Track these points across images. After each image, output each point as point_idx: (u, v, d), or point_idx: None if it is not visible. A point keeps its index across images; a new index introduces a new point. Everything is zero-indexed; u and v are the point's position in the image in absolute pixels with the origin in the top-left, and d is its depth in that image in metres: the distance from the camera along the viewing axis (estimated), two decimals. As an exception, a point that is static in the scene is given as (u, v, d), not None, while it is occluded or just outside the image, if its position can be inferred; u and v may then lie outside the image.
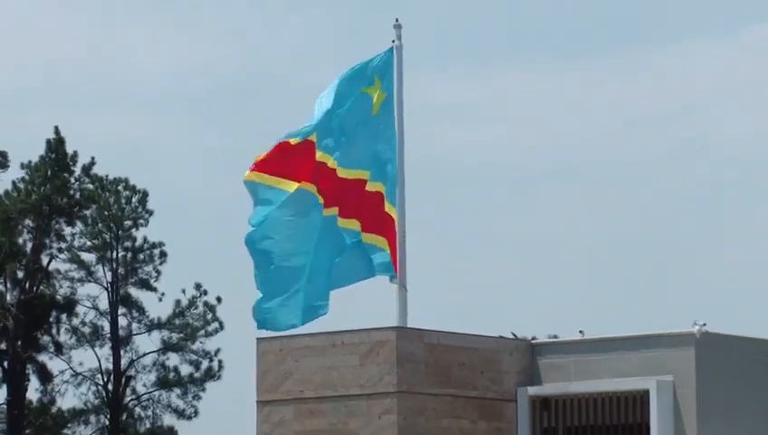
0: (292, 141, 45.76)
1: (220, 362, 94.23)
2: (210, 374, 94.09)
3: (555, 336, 54.94)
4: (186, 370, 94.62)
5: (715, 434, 48.72)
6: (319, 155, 46.11)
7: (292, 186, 46.09)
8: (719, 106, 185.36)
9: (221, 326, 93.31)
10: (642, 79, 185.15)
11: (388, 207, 47.49)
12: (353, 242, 46.59)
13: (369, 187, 46.85)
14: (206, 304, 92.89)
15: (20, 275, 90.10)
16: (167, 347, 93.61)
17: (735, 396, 48.93)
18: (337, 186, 46.74)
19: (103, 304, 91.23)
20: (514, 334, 53.39)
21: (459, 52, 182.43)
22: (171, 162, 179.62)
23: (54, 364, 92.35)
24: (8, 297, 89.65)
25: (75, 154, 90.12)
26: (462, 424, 49.97)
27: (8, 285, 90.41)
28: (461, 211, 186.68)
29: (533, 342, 52.95)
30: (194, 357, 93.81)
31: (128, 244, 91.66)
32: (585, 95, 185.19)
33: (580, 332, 53.58)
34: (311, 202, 46.28)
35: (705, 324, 50.36)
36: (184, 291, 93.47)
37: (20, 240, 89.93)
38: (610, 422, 50.26)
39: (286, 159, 45.87)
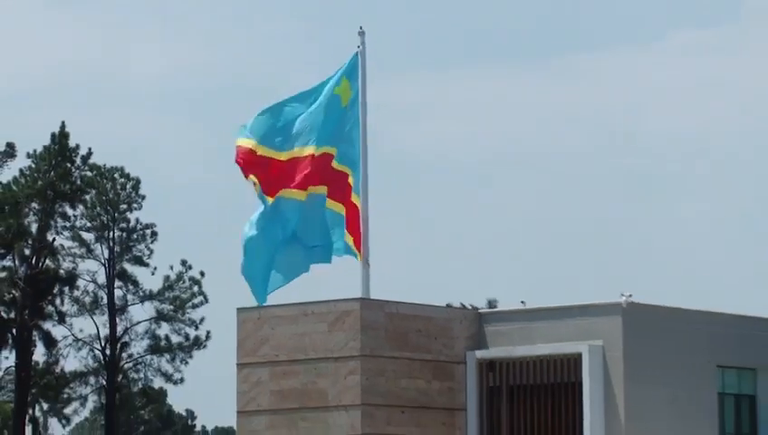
0: (277, 156, 46.96)
1: (208, 332, 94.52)
2: (197, 343, 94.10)
3: (495, 303, 54.98)
4: (175, 338, 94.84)
5: (639, 392, 49.34)
6: (298, 151, 46.99)
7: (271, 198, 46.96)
8: (649, 104, 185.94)
9: (206, 299, 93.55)
10: (580, 80, 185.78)
11: (354, 198, 48.01)
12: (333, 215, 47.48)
13: (335, 165, 47.37)
14: (191, 278, 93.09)
15: (27, 252, 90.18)
16: (158, 317, 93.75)
17: (658, 358, 49.45)
18: (313, 166, 47.32)
19: (101, 277, 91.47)
20: (466, 305, 53.90)
21: (419, 56, 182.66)
22: (161, 154, 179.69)
23: (58, 331, 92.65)
24: (16, 272, 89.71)
25: (77, 146, 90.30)
26: (418, 384, 50.48)
27: (16, 261, 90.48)
28: (419, 197, 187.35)
29: (481, 311, 53.38)
30: (182, 326, 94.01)
31: (123, 225, 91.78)
32: (530, 95, 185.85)
33: (522, 302, 54.10)
34: (289, 206, 47.06)
35: (630, 295, 50.96)
36: (172, 267, 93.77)
37: (27, 221, 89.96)
38: (548, 382, 50.77)
39: (272, 175, 46.95)
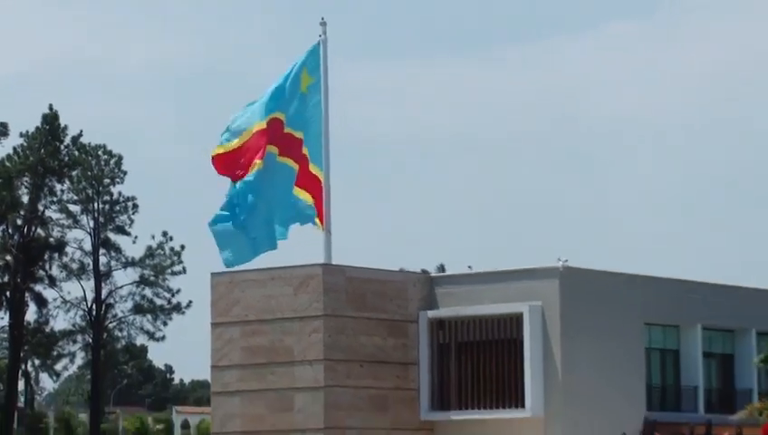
0: (236, 142, 46.69)
1: (190, 301, 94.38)
2: (177, 308, 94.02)
3: (445, 268, 55.09)
4: (156, 301, 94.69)
5: (574, 348, 49.75)
6: (276, 116, 47.10)
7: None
8: (589, 90, 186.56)
9: (184, 270, 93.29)
10: (522, 68, 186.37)
11: (313, 169, 48.14)
12: (287, 191, 47.48)
13: (286, 130, 47.45)
14: (171, 248, 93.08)
15: (19, 222, 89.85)
16: (141, 281, 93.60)
17: (592, 317, 49.78)
18: (266, 135, 47.32)
19: (87, 245, 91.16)
20: (423, 270, 54.15)
21: (377, 44, 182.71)
22: (142, 133, 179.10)
23: (48, 294, 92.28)
24: (10, 240, 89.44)
25: (66, 127, 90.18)
26: (375, 341, 50.83)
27: (10, 231, 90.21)
28: (378, 172, 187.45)
29: (432, 275, 53.70)
30: (161, 290, 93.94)
31: (106, 197, 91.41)
32: (481, 81, 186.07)
33: (469, 267, 54.48)
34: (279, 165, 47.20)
35: (567, 260, 51.39)
36: (153, 236, 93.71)
37: (19, 194, 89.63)
38: (492, 338, 51.12)
39: (241, 157, 46.96)
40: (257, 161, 45.96)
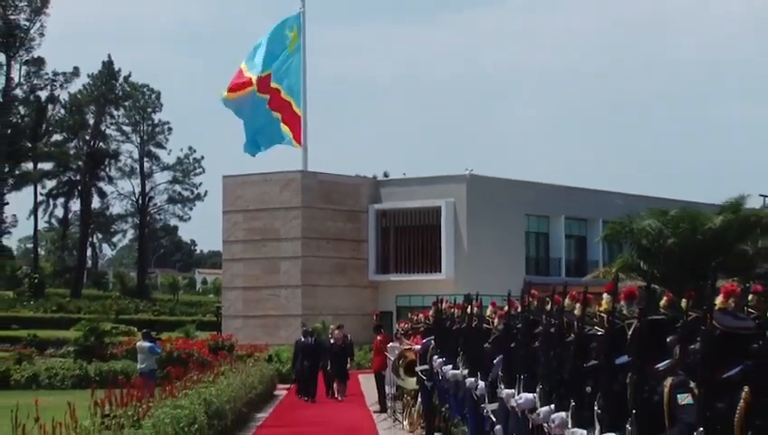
0: (246, 73, 47.12)
1: (206, 192, 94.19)
2: (198, 198, 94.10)
3: (388, 174, 54.82)
4: (184, 194, 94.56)
5: (476, 231, 49.84)
6: (264, 74, 47.10)
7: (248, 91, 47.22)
8: (492, 46, 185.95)
9: (203, 171, 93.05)
10: (450, 31, 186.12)
11: (295, 108, 48.00)
12: (275, 121, 47.61)
13: (284, 96, 47.56)
14: (194, 158, 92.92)
15: (87, 137, 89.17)
16: (173, 180, 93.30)
17: (488, 210, 49.87)
18: (272, 90, 47.51)
19: (135, 155, 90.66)
20: (368, 175, 54.22)
21: (349, 10, 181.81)
22: (174, 74, 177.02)
23: (107, 188, 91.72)
24: (80, 150, 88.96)
25: (119, 70, 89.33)
26: (337, 225, 50.82)
27: (80, 143, 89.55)
28: (344, 105, 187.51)
29: (378, 179, 53.85)
30: (187, 186, 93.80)
31: (149, 121, 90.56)
32: (421, 40, 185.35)
33: (404, 173, 54.58)
34: (258, 99, 47.07)
35: (472, 169, 51.44)
36: (181, 149, 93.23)
37: (87, 118, 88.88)
38: (419, 224, 51.13)
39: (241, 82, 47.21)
40: (243, 93, 46.79)
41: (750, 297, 6.55)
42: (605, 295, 7.07)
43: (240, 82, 47.08)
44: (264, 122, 47.40)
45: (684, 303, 6.95)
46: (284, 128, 47.33)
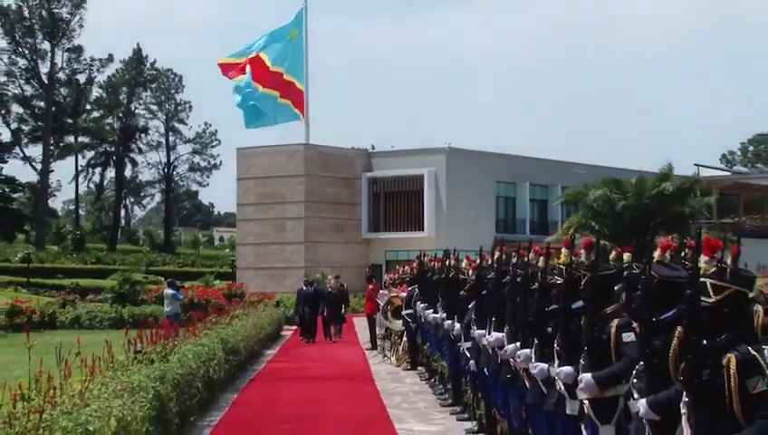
0: (243, 59, 45.88)
1: (221, 162, 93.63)
2: (215, 167, 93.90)
3: (374, 147, 54.62)
4: (202, 163, 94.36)
5: (454, 195, 49.66)
6: (263, 58, 46.19)
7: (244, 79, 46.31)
8: (464, 32, 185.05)
9: (219, 144, 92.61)
10: (424, 22, 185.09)
11: (298, 85, 47.58)
12: (272, 102, 46.61)
13: (286, 77, 46.85)
14: (211, 132, 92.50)
15: (120, 115, 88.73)
16: (193, 152, 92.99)
17: (465, 177, 49.77)
18: (268, 74, 46.69)
19: (161, 130, 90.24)
20: (361, 147, 53.97)
21: (343, 5, 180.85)
22: (194, 60, 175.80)
23: (138, 158, 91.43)
24: (115, 126, 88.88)
25: (147, 56, 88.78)
26: (335, 190, 50.79)
27: (114, 120, 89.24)
28: (342, 85, 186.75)
29: (370, 151, 53.65)
30: (206, 157, 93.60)
31: (172, 101, 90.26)
32: (405, 31, 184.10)
33: (392, 146, 54.34)
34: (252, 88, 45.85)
35: (450, 143, 51.30)
36: (200, 125, 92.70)
37: (120, 98, 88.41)
38: (405, 190, 50.97)
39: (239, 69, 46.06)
40: (242, 76, 45.89)
41: (685, 251, 6.62)
42: (564, 250, 7.12)
43: (239, 67, 46.03)
44: (263, 103, 46.54)
45: (627, 256, 7.00)
46: (284, 102, 46.44)
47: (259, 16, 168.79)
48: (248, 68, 45.56)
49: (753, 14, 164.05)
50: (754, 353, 4.33)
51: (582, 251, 6.60)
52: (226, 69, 46.63)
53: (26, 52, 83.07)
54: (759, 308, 7.18)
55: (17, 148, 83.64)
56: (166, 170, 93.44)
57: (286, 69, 46.61)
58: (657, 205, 34.51)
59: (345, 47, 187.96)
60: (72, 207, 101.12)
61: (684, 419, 4.44)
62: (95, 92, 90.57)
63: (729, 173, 77.44)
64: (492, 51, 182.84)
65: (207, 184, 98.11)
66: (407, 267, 23.05)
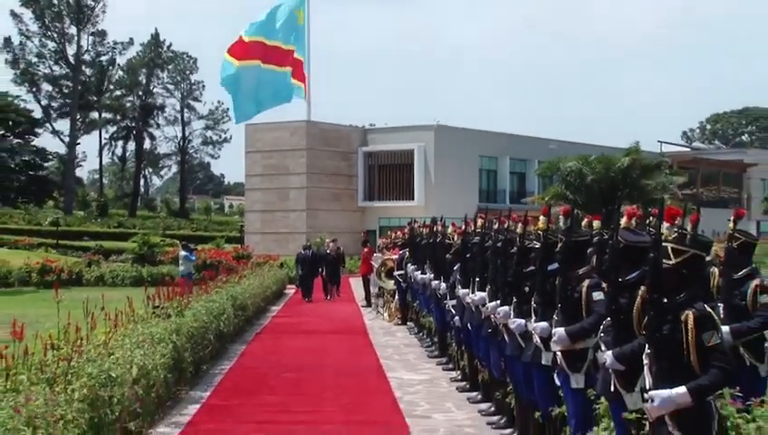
0: (247, 39, 41.95)
1: (231, 136, 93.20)
2: (226, 141, 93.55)
3: (374, 124, 54.55)
4: (214, 138, 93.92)
5: (442, 168, 49.76)
6: (270, 43, 43.07)
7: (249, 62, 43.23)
8: (448, 20, 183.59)
9: (230, 120, 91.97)
10: (415, 9, 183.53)
11: (304, 67, 46.85)
12: (286, 80, 42.86)
13: (296, 55, 45.42)
14: (223, 109, 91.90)
15: (140, 93, 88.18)
16: (206, 127, 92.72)
17: (452, 152, 49.77)
18: (279, 53, 44.38)
19: (177, 107, 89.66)
20: (359, 124, 53.85)
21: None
22: (207, 44, 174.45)
23: (156, 133, 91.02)
24: (135, 103, 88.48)
25: (164, 40, 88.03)
26: (334, 162, 50.68)
27: (134, 98, 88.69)
28: (342, 64, 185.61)
29: (366, 128, 53.51)
30: (218, 132, 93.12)
31: (188, 81, 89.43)
32: (401, 19, 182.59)
33: (386, 123, 54.20)
34: (258, 69, 41.67)
35: (438, 120, 51.20)
36: (212, 103, 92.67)
37: (140, 79, 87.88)
38: (397, 163, 50.84)
39: (246, 50, 41.63)
40: (248, 62, 42.96)
41: (650, 219, 6.65)
42: (541, 217, 7.12)
43: (242, 48, 41.62)
44: (274, 83, 43.64)
45: (597, 223, 7.01)
46: (296, 83, 44.50)
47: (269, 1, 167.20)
48: (258, 64, 41.91)
49: (712, 11, 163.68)
50: (710, 310, 4.36)
51: (561, 217, 6.60)
52: (236, 51, 44.39)
53: (55, 35, 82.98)
54: (714, 270, 7.25)
55: (47, 123, 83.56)
56: (181, 144, 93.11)
57: (297, 50, 44.42)
58: (623, 178, 34.61)
59: (344, 35, 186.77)
60: (97, 177, 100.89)
61: (646, 368, 4.47)
62: (117, 73, 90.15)
63: (689, 149, 77.53)
64: (478, 37, 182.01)
65: (219, 156, 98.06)
66: (398, 233, 23.10)
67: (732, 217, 7.00)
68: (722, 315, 6.26)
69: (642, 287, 4.89)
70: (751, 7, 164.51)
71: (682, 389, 4.18)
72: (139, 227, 59.73)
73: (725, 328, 6.17)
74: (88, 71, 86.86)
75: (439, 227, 13.87)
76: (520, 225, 7.79)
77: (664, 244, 4.54)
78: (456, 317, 10.53)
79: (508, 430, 8.34)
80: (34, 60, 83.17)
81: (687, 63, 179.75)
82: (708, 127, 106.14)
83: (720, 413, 4.36)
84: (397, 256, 19.36)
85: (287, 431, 8.56)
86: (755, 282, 6.63)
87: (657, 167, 35.69)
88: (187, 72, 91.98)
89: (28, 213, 64.78)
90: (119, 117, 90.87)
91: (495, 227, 9.05)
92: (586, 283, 6.00)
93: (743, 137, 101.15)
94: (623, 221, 6.05)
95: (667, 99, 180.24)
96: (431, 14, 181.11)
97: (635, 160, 34.39)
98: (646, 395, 4.35)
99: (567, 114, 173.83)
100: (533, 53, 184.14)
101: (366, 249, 24.70)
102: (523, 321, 7.11)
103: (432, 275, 13.10)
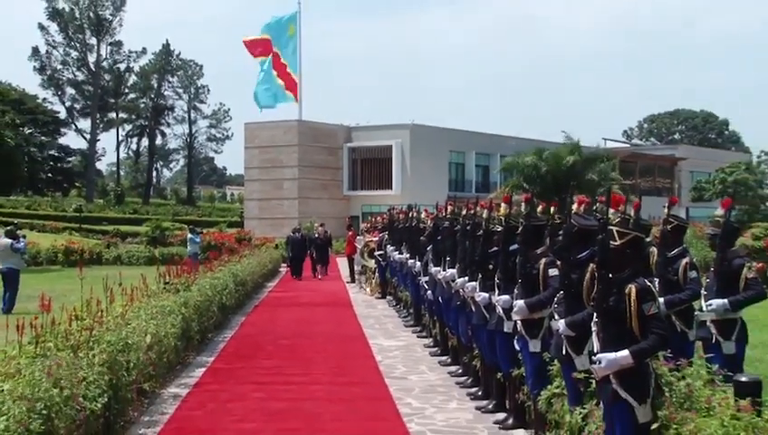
0: (262, 37, 45.42)
1: (233, 133, 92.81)
2: (228, 138, 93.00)
3: (357, 123, 54.20)
4: (218, 135, 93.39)
5: (417, 162, 49.49)
6: (275, 49, 45.67)
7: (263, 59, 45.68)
8: (438, 30, 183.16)
9: (231, 119, 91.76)
10: (407, 21, 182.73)
11: (294, 76, 46.90)
12: (277, 88, 46.09)
13: (288, 70, 46.01)
14: (225, 110, 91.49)
15: (152, 96, 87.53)
16: (210, 126, 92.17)
17: (425, 148, 49.57)
18: (279, 64, 46.05)
19: (185, 108, 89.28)
20: (344, 123, 53.54)
21: (331, 7, 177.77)
22: (213, 52, 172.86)
23: (167, 130, 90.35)
24: (148, 105, 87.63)
25: (174, 49, 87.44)
26: (323, 157, 50.38)
27: (147, 100, 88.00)
28: (330, 71, 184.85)
29: (351, 126, 53.17)
30: (220, 129, 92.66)
31: (194, 85, 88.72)
32: (382, 30, 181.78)
33: (368, 121, 53.86)
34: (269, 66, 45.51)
35: (414, 120, 50.86)
36: (216, 104, 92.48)
37: (152, 83, 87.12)
38: (378, 157, 50.55)
39: (260, 47, 45.53)
40: (265, 58, 45.40)
41: (596, 206, 6.67)
42: (503, 205, 7.12)
43: (262, 45, 45.34)
44: (271, 85, 46.03)
45: (552, 210, 7.02)
46: (288, 94, 46.13)
47: (270, 12, 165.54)
48: (269, 58, 45.13)
49: (650, 23, 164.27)
50: (649, 284, 4.39)
51: (523, 204, 6.62)
52: (252, 47, 45.89)
53: (77, 45, 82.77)
54: (653, 250, 7.29)
55: (71, 122, 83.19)
56: (188, 140, 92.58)
57: (283, 54, 46.03)
58: (572, 171, 34.90)
59: (332, 43, 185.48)
60: (115, 169, 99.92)
61: (594, 334, 4.49)
62: (132, 78, 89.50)
63: (629, 145, 77.95)
64: (447, 46, 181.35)
65: (221, 151, 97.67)
66: (378, 218, 23.10)
67: (666, 204, 7.05)
68: (658, 289, 6.31)
69: (591, 265, 4.92)
70: (682, 23, 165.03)
71: (625, 352, 4.21)
72: (152, 214, 59.34)
73: (660, 299, 6.23)
74: (106, 76, 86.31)
75: (414, 213, 13.88)
76: (486, 211, 7.80)
77: (610, 227, 4.55)
78: (429, 291, 10.57)
79: (474, 389, 8.38)
80: (59, 67, 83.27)
81: (628, 71, 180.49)
82: (645, 126, 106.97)
83: (656, 372, 4.40)
84: (377, 239, 19.36)
85: (282, 391, 8.56)
86: (685, 260, 6.69)
87: (596, 160, 36.16)
88: (194, 78, 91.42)
89: (54, 201, 64.39)
90: (134, 117, 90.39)
91: (463, 212, 9.07)
92: (543, 261, 6.03)
93: (674, 135, 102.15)
94: (574, 207, 6.07)
95: (611, 101, 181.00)
96: (409, 27, 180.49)
97: (577, 155, 34.89)
98: (593, 357, 4.37)
99: (525, 114, 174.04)
100: (496, 60, 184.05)
101: (350, 233, 24.68)
102: (487, 294, 7.14)
103: (408, 255, 13.12)
